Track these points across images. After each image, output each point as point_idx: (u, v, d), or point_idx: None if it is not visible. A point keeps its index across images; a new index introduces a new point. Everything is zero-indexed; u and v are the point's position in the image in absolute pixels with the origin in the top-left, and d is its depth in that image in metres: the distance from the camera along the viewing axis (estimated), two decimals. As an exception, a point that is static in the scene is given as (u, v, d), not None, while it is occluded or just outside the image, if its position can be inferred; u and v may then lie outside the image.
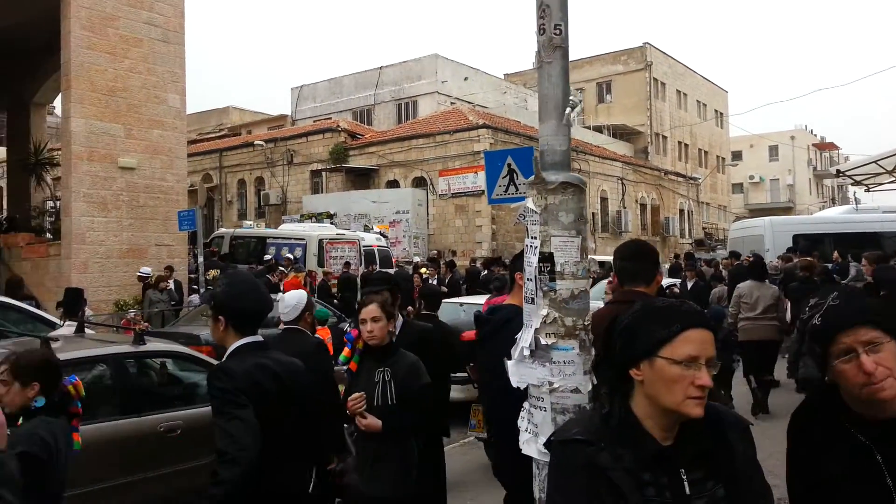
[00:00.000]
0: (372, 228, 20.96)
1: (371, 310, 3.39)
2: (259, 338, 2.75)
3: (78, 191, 13.00)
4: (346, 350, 3.71)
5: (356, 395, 3.26)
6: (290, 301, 4.13)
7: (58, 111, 22.89)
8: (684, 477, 1.50)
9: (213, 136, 40.09)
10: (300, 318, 4.14)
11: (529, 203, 2.53)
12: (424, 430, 3.51)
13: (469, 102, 32.31)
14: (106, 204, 13.37)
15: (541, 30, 2.66)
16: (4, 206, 24.36)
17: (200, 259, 12.81)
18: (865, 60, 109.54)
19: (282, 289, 10.29)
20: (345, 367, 3.58)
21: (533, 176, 2.60)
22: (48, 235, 15.19)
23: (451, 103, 32.20)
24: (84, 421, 4.39)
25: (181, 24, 15.01)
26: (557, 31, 2.63)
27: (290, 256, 15.30)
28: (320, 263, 15.73)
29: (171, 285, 12.61)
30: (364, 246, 17.09)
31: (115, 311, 12.13)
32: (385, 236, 19.96)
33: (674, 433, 1.54)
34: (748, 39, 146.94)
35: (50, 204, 16.79)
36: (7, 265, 14.81)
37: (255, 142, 30.41)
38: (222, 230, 21.18)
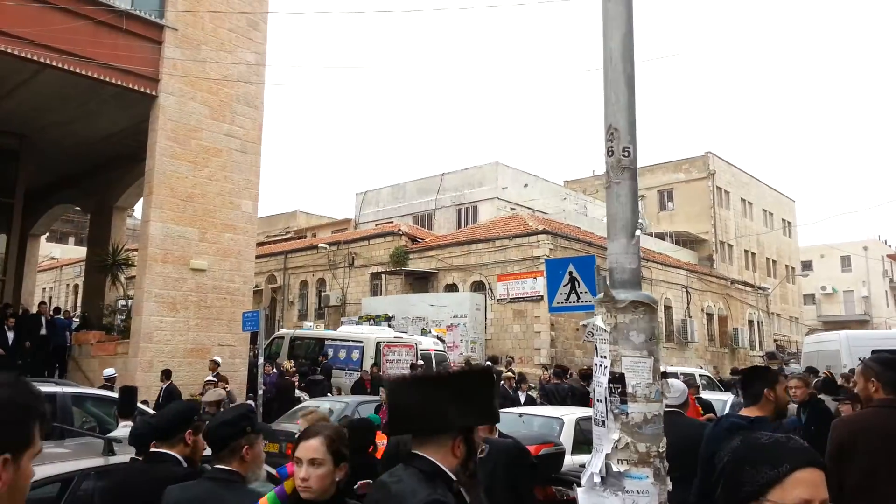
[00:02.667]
0: (429, 332, 20.91)
1: (311, 447, 2.30)
2: None
3: (150, 291, 13.53)
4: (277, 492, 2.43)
5: None
6: (679, 386, 4.88)
7: (137, 214, 24.33)
8: None
9: (279, 238, 41.64)
10: (686, 402, 4.72)
11: (598, 321, 2.47)
12: None
13: (529, 208, 32.74)
14: (175, 304, 13.84)
15: (609, 151, 2.69)
16: (78, 305, 25.54)
17: (261, 360, 12.94)
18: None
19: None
20: None
21: (602, 293, 2.55)
22: (116, 333, 15.73)
23: (511, 209, 32.69)
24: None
25: (259, 136, 15.97)
26: (626, 154, 2.65)
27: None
28: (377, 366, 15.66)
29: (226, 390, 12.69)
30: (421, 349, 17.00)
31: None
32: (442, 340, 19.86)
33: None
34: (815, 149, 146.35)
35: (122, 303, 17.49)
36: (76, 362, 15.33)
37: (319, 244, 31.38)
38: (283, 331, 21.52)
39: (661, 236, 37.51)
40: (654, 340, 2.41)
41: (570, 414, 7.57)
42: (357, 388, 14.29)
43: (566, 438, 6.62)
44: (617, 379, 2.36)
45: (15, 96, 14.49)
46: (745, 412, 3.59)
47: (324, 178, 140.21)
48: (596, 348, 2.48)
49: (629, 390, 2.31)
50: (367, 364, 15.65)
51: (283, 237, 42.00)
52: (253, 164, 15.75)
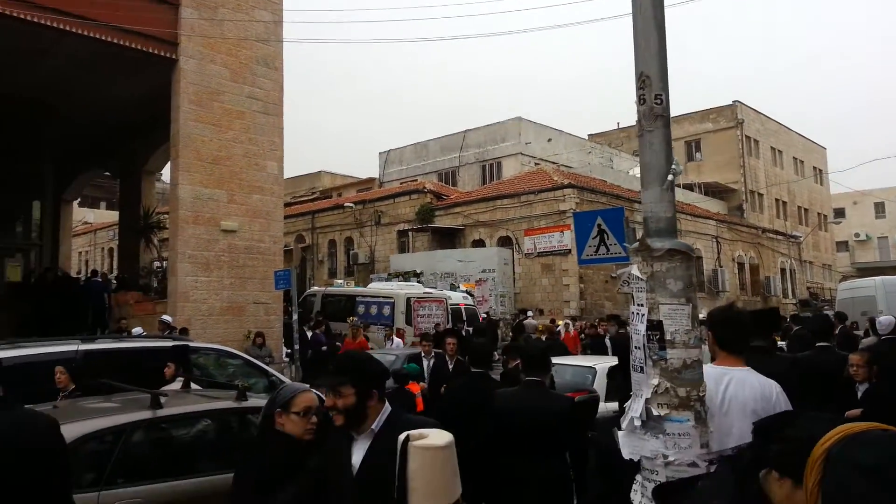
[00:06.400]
0: (458, 287, 21.08)
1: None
2: None
3: (184, 252, 13.79)
4: None
5: None
6: (887, 321, 6.81)
7: (165, 178, 24.59)
8: None
9: (306, 199, 41.87)
10: None
11: (635, 270, 2.49)
12: None
13: (553, 163, 32.41)
14: (209, 264, 14.10)
15: (641, 100, 2.67)
16: (115, 267, 26.13)
17: (295, 317, 13.21)
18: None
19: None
20: None
21: (637, 243, 2.57)
22: (154, 294, 16.11)
23: (536, 164, 32.40)
24: (189, 474, 4.59)
25: (280, 97, 15.94)
26: (658, 101, 2.64)
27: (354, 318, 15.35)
28: (408, 321, 15.88)
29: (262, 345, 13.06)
30: (451, 304, 17.17)
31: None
32: (471, 295, 20.01)
33: None
34: (847, 95, 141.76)
35: (157, 264, 17.85)
36: (117, 322, 15.76)
37: (345, 204, 31.54)
38: (314, 289, 21.83)
39: (689, 187, 36.97)
40: (692, 288, 2.43)
41: (602, 363, 7.66)
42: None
43: (599, 387, 6.72)
44: (655, 326, 2.40)
45: (37, 65, 14.52)
46: None
47: (347, 138, 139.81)
48: (632, 297, 2.51)
49: (668, 337, 2.35)
50: (399, 319, 15.87)
51: (309, 197, 42.22)
52: (275, 126, 15.77)
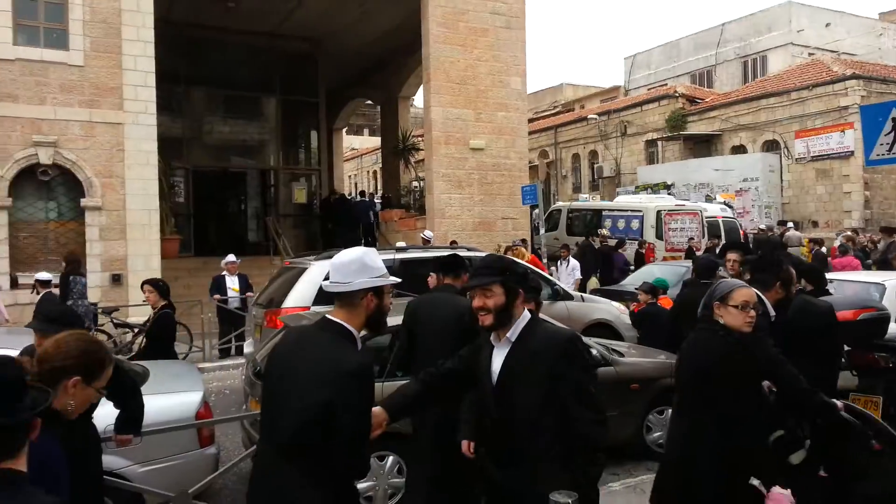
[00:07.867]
0: (715, 198, 19.65)
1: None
2: None
3: (438, 171, 14.63)
4: None
5: None
6: None
7: (416, 102, 26.01)
8: None
9: (548, 113, 41.56)
10: None
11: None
12: None
13: (832, 51, 28.00)
14: (460, 182, 14.82)
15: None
16: (379, 188, 28.72)
17: (542, 231, 13.42)
18: None
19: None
20: None
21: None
22: (414, 211, 17.44)
23: (810, 54, 28.30)
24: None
25: (522, 9, 15.74)
26: None
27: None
28: (658, 236, 15.26)
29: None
30: (707, 217, 16.08)
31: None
32: (730, 206, 18.52)
33: None
34: None
35: (415, 184, 19.23)
36: (384, 236, 17.45)
37: (589, 116, 30.69)
38: (559, 204, 21.87)
39: None
40: None
41: (893, 279, 6.66)
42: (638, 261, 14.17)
43: (890, 304, 5.87)
44: None
45: (305, 5, 15.99)
46: None
47: (587, 46, 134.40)
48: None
49: None
50: (649, 234, 15.32)
51: (552, 112, 41.82)
52: (518, 40, 15.68)
